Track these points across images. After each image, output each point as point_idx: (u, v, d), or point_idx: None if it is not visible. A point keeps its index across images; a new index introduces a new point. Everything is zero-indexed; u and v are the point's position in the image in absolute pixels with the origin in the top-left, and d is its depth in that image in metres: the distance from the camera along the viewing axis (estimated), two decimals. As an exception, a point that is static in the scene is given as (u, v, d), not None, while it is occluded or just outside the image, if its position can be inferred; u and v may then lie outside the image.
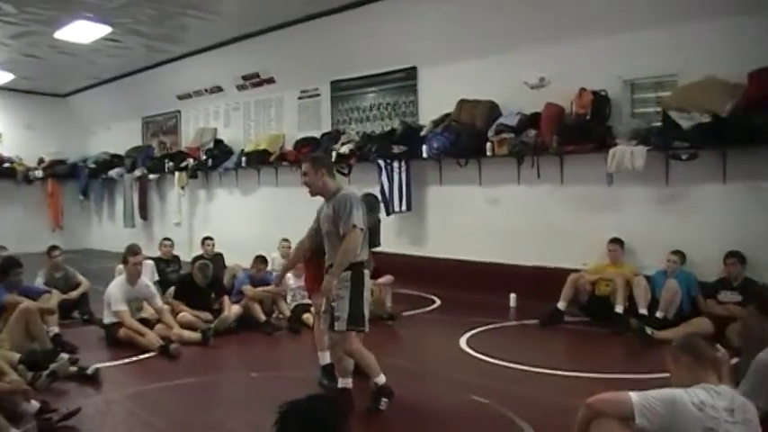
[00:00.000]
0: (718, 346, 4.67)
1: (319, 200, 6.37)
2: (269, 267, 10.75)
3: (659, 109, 9.85)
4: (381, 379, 6.18)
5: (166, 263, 11.96)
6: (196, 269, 9.87)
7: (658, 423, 3.61)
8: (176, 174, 18.16)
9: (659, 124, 9.70)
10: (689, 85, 9.38)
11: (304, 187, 6.34)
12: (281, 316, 10.12)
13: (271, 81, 15.93)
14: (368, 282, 6.25)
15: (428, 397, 6.64)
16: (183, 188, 18.21)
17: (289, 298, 10.23)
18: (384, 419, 5.99)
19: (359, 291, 6.04)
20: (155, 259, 11.76)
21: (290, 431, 2.87)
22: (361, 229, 6.03)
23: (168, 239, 12.52)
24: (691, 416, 3.54)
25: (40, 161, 21.85)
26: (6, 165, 21.15)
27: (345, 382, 6.28)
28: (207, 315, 9.52)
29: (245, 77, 16.38)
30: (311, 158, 6.55)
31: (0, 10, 12.99)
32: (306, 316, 9.54)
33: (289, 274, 10.34)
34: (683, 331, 8.14)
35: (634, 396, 3.65)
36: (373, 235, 7.24)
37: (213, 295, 9.89)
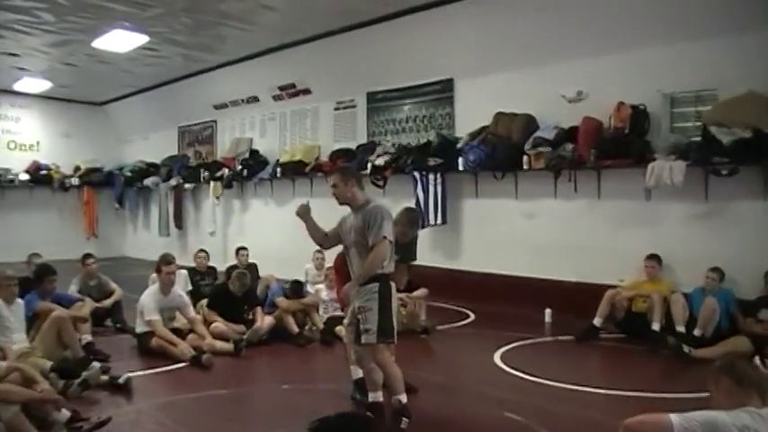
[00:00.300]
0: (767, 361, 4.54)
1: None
2: (302, 278, 10.71)
3: (699, 123, 9.69)
4: (404, 397, 6.07)
5: (201, 275, 11.75)
6: (234, 278, 9.84)
7: None
8: (211, 183, 18.20)
9: (699, 139, 9.53)
10: (730, 100, 9.23)
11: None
12: (314, 328, 10.05)
13: (307, 92, 15.94)
14: (395, 293, 6.20)
15: (461, 413, 6.54)
16: (218, 198, 18.24)
17: (321, 310, 10.17)
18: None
19: (387, 302, 6.00)
20: (189, 270, 11.66)
21: None
22: (390, 241, 6.02)
23: (203, 251, 12.31)
24: None
25: (77, 169, 22.01)
26: (43, 172, 21.36)
27: (376, 396, 6.21)
28: (240, 327, 9.50)
29: (281, 88, 16.41)
30: (340, 170, 6.57)
31: (39, 18, 13.13)
32: (339, 328, 9.45)
33: (321, 286, 10.32)
34: (722, 350, 8.08)
35: (675, 418, 3.52)
36: (410, 250, 7.17)
37: (246, 306, 9.86)
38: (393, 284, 6.17)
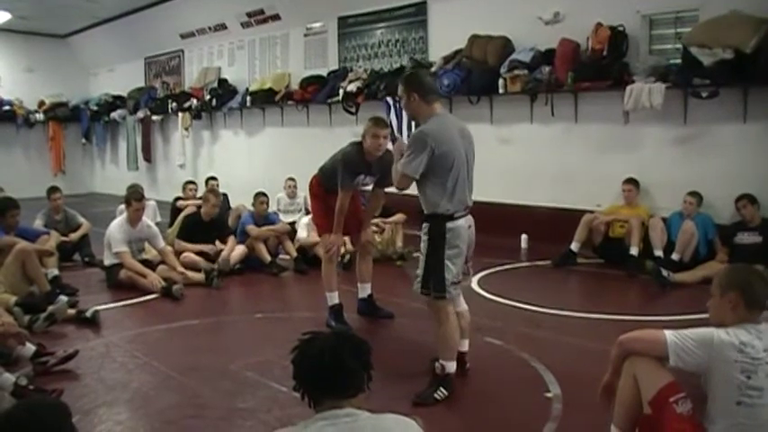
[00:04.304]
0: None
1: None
2: (273, 208, 10.50)
3: (678, 45, 9.49)
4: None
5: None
6: (206, 193, 9.81)
7: (694, 364, 3.38)
8: (180, 115, 17.86)
9: (678, 61, 9.36)
10: (712, 20, 8.98)
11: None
12: (287, 256, 9.90)
13: (276, 18, 15.50)
14: None
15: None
16: (186, 129, 17.92)
17: (305, 233, 9.81)
18: (398, 359, 5.75)
19: None
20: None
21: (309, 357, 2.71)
22: None
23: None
24: (729, 357, 3.30)
25: (41, 104, 21.49)
26: (6, 108, 20.81)
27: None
28: (212, 247, 9.39)
29: (249, 14, 15.96)
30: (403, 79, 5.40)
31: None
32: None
33: (306, 219, 9.96)
34: (701, 274, 8.13)
35: (669, 335, 3.39)
36: (387, 173, 6.88)
37: (218, 236, 9.70)
38: None
